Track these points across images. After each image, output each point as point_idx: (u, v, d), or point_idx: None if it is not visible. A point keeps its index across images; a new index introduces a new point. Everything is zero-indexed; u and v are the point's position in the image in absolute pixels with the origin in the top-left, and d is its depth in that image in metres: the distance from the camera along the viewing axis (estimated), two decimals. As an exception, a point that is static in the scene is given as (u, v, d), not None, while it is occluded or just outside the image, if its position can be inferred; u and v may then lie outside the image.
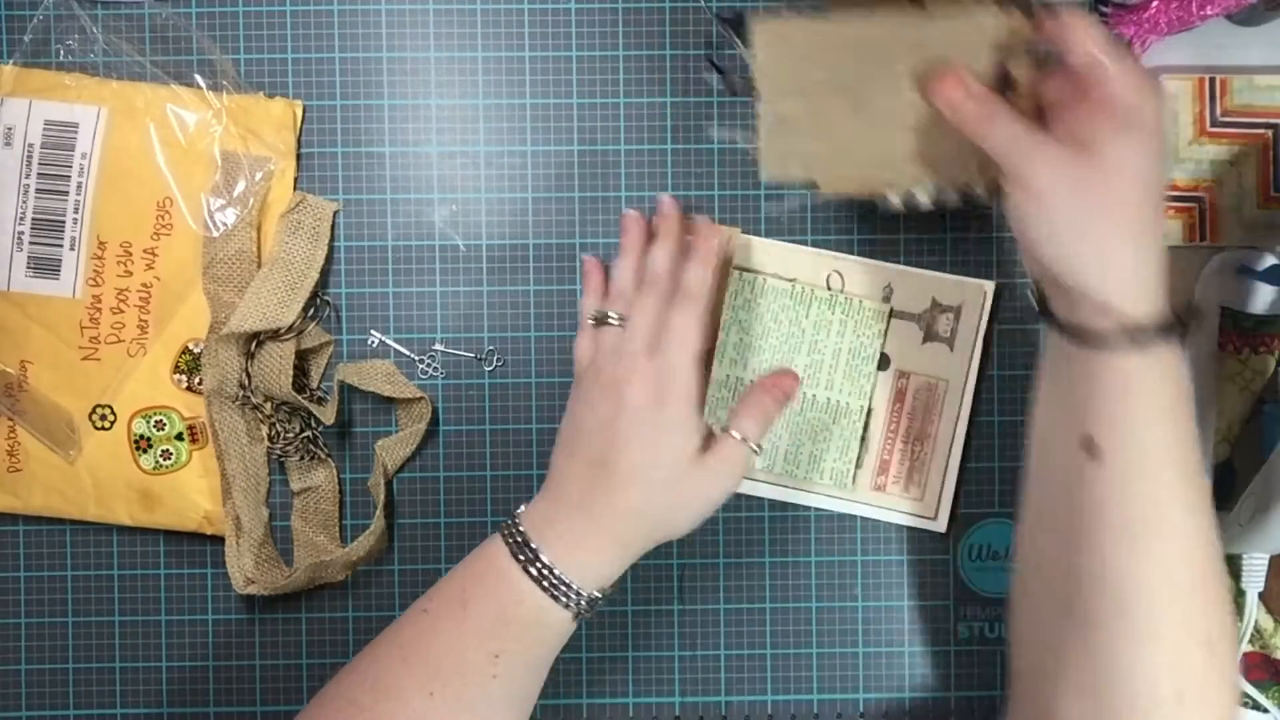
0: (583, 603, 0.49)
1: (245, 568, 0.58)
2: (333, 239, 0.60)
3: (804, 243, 0.59)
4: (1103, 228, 0.45)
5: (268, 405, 0.59)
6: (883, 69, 0.50)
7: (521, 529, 0.50)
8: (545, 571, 0.49)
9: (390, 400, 0.60)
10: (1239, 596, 0.60)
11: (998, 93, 0.48)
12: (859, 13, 0.50)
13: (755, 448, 0.52)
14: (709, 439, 0.51)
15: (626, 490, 0.49)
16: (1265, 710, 0.60)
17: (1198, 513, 0.46)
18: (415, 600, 0.51)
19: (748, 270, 0.59)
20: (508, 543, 0.50)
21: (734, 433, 0.52)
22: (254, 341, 0.58)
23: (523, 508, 0.52)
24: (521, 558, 0.49)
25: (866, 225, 0.60)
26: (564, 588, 0.49)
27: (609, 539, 0.50)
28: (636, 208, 0.59)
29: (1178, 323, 0.46)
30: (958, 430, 0.59)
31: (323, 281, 0.59)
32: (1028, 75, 0.48)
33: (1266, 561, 0.59)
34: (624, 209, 0.59)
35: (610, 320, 0.53)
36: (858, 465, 0.59)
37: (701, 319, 0.51)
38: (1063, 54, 0.46)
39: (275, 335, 0.58)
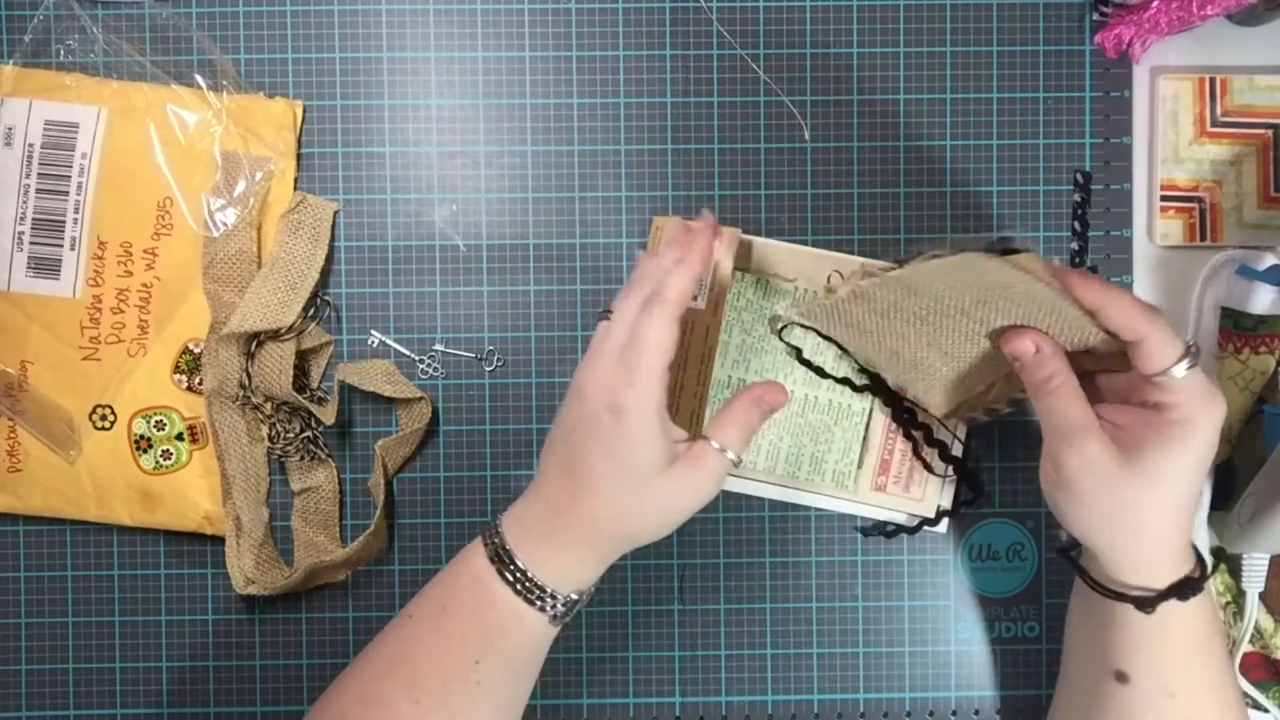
0: (559, 606, 0.48)
1: (245, 568, 0.58)
2: (333, 239, 0.60)
3: (805, 243, 0.59)
4: (1125, 519, 0.47)
5: (268, 405, 0.59)
6: (955, 310, 0.50)
7: (500, 532, 0.49)
8: (519, 575, 0.48)
9: (390, 400, 0.60)
10: (1239, 596, 0.60)
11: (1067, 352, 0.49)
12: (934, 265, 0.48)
13: (735, 458, 0.49)
14: (681, 446, 0.48)
15: (592, 498, 0.47)
16: (1265, 710, 0.60)
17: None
18: (404, 604, 0.51)
19: (749, 271, 0.59)
20: (486, 546, 0.49)
21: (713, 441, 0.48)
22: (254, 341, 0.58)
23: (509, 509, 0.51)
24: (496, 562, 0.48)
25: (867, 226, 0.60)
26: (538, 591, 0.48)
27: (580, 544, 0.48)
28: (634, 207, 0.60)
29: (1201, 575, 0.49)
30: (958, 430, 0.59)
31: (323, 281, 0.59)
32: (1100, 341, 0.48)
33: (1266, 561, 0.59)
34: (620, 208, 0.60)
35: (607, 316, 0.50)
36: (859, 466, 0.59)
37: (670, 324, 0.47)
38: (1132, 356, 0.46)
39: (275, 335, 0.58)
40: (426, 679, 0.48)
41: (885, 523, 0.60)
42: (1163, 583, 0.48)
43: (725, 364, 0.59)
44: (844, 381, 0.59)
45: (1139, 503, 0.47)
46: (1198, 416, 0.46)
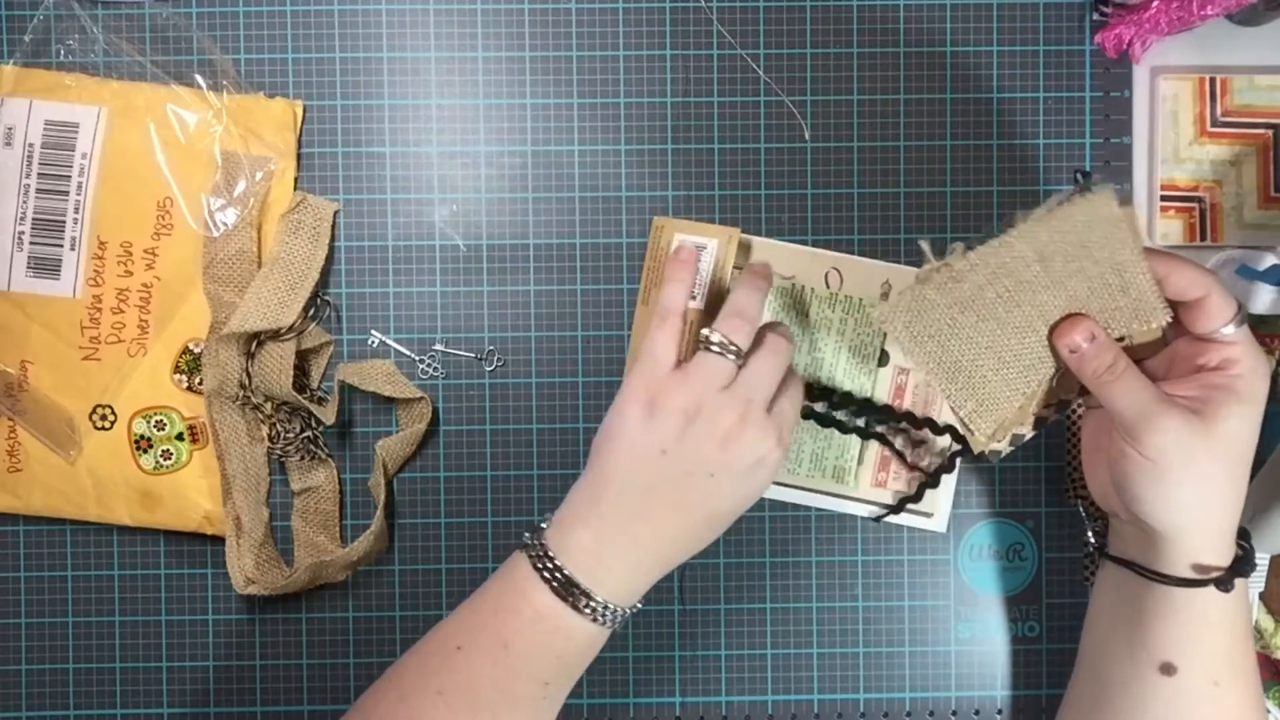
0: (627, 614, 0.50)
1: (245, 568, 0.58)
2: (333, 239, 0.60)
3: (804, 242, 0.59)
4: (1207, 491, 0.48)
5: (268, 405, 0.59)
6: (1065, 282, 0.51)
7: (558, 562, 0.48)
8: (594, 604, 0.48)
9: (390, 400, 0.60)
10: (1239, 596, 0.60)
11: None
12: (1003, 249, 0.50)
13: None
14: None
15: (707, 533, 0.50)
16: (1266, 710, 0.60)
17: (1261, 715, 0.50)
18: (436, 630, 0.50)
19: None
20: (545, 578, 0.48)
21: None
22: (254, 341, 0.58)
23: (547, 524, 0.50)
24: (570, 598, 0.48)
25: (867, 226, 0.60)
26: (609, 611, 0.49)
27: (663, 568, 0.50)
28: (634, 207, 0.60)
29: (1246, 559, 0.50)
30: (958, 428, 0.59)
31: (323, 281, 0.59)
32: (1146, 342, 0.51)
33: (1267, 561, 0.59)
34: (620, 208, 0.60)
35: (722, 349, 0.50)
36: (859, 462, 0.59)
37: (800, 390, 0.53)
38: (1190, 320, 0.48)
39: (275, 335, 0.58)
40: (492, 706, 0.48)
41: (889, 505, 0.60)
42: (1217, 561, 0.49)
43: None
44: (854, 430, 0.59)
45: (1219, 470, 0.48)
46: (1259, 366, 0.48)
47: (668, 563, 0.50)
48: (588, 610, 0.48)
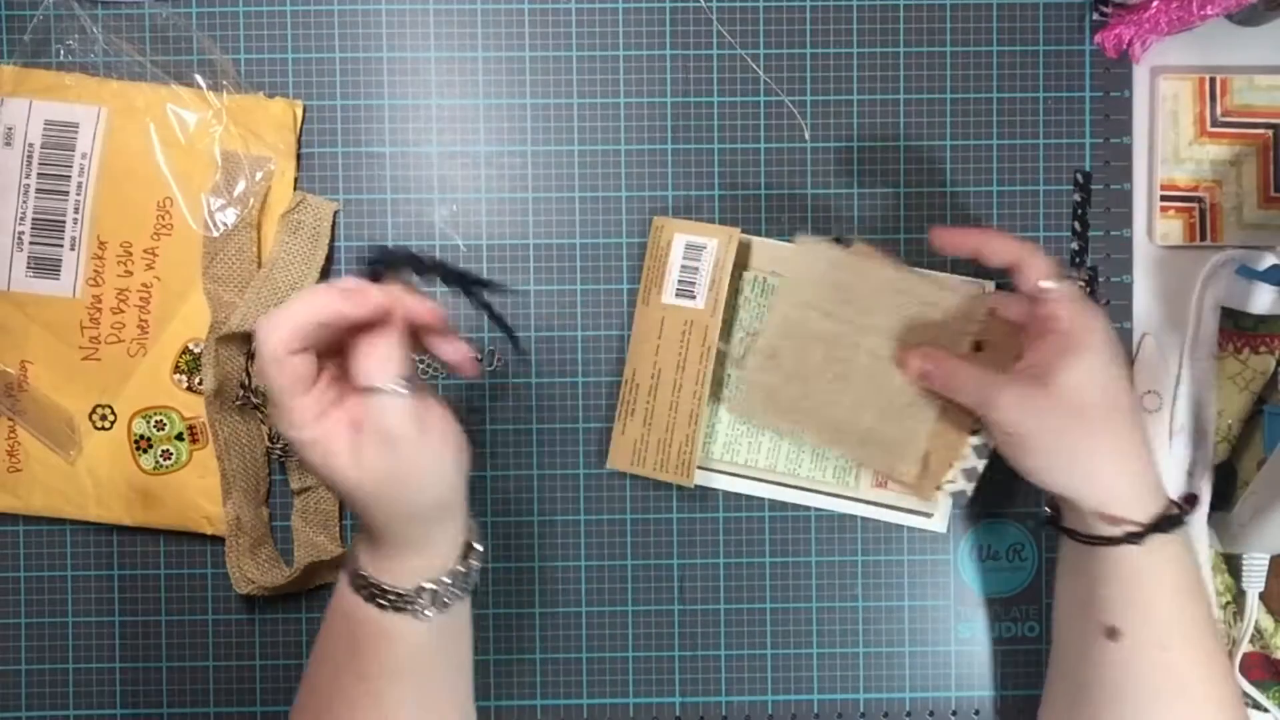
0: (419, 603, 0.45)
1: (245, 568, 0.58)
2: (333, 239, 0.60)
3: (804, 243, 0.60)
4: (1077, 449, 0.49)
5: (268, 405, 0.59)
6: (870, 324, 0.56)
7: (350, 555, 0.48)
8: (365, 581, 0.45)
9: (390, 400, 0.59)
10: (1239, 596, 0.60)
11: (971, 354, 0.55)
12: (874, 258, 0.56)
13: (393, 388, 0.42)
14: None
15: (374, 496, 0.44)
16: (1265, 710, 0.60)
17: (1218, 682, 0.49)
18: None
19: (747, 270, 0.59)
20: (346, 573, 0.47)
21: (369, 385, 0.42)
22: (254, 341, 0.58)
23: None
24: (354, 583, 0.46)
25: (867, 226, 0.60)
26: (380, 591, 0.45)
27: (402, 542, 0.45)
28: (634, 207, 0.60)
29: (1177, 514, 0.50)
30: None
31: (323, 281, 0.59)
32: (1000, 335, 0.55)
33: (1266, 561, 0.59)
34: (620, 208, 0.60)
35: None
36: (860, 462, 0.59)
37: (274, 330, 0.41)
38: (1016, 285, 0.51)
39: (275, 335, 0.58)
40: (331, 712, 0.46)
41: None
42: (1141, 516, 0.49)
43: (726, 364, 0.59)
44: None
45: (1074, 423, 0.49)
46: (1078, 321, 0.49)
47: (369, 521, 0.44)
48: (359, 585, 0.45)
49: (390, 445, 0.42)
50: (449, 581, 0.46)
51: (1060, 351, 0.49)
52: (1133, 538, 0.49)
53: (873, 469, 0.59)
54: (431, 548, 0.46)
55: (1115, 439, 0.49)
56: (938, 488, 0.57)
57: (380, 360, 0.42)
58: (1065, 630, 0.54)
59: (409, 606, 0.45)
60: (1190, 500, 0.51)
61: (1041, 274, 0.50)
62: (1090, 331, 0.49)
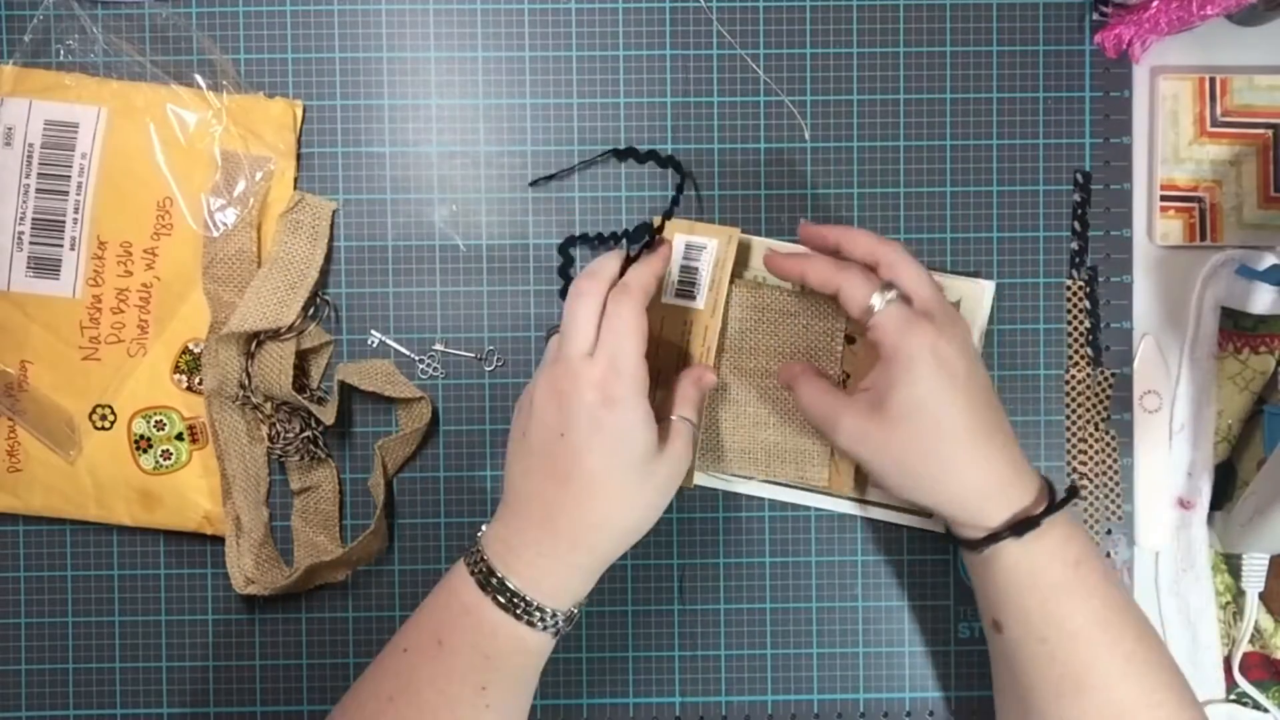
0: (559, 621, 0.48)
1: (245, 568, 0.58)
2: (332, 239, 0.60)
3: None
4: (914, 471, 0.49)
5: (268, 405, 0.59)
6: (748, 345, 0.59)
7: (485, 557, 0.48)
8: (515, 599, 0.47)
9: (390, 400, 0.60)
10: (1239, 596, 0.60)
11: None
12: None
13: (695, 423, 0.52)
14: (659, 428, 0.50)
15: (591, 501, 0.48)
16: (1265, 710, 0.60)
17: (1120, 678, 0.48)
18: (392, 638, 0.50)
19: (747, 269, 0.59)
20: (473, 573, 0.48)
21: (681, 415, 0.52)
22: (254, 341, 0.58)
23: (484, 529, 0.50)
24: (488, 590, 0.48)
25: (867, 226, 0.60)
26: (538, 612, 0.48)
27: (578, 554, 0.48)
28: (636, 208, 0.60)
29: (1035, 515, 0.49)
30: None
31: (323, 281, 0.59)
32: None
33: (1266, 561, 0.59)
34: (622, 208, 0.60)
35: (556, 331, 0.51)
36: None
37: (641, 311, 0.49)
38: (844, 305, 0.51)
39: (275, 335, 0.58)
40: (434, 709, 0.47)
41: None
42: (996, 521, 0.49)
43: (726, 363, 0.59)
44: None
45: (909, 447, 0.48)
46: (904, 339, 0.48)
47: (576, 543, 0.48)
48: (505, 603, 0.47)
49: (681, 470, 0.51)
50: (583, 605, 0.50)
51: (890, 376, 0.48)
52: (971, 545, 0.50)
53: (788, 480, 0.59)
54: (598, 575, 0.50)
55: (953, 458, 0.49)
56: (855, 481, 0.59)
57: (687, 403, 0.52)
58: (981, 618, 0.55)
59: (556, 624, 0.49)
60: (1071, 491, 0.51)
61: (858, 301, 0.49)
62: (911, 356, 0.48)
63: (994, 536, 0.49)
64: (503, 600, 0.47)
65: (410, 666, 0.48)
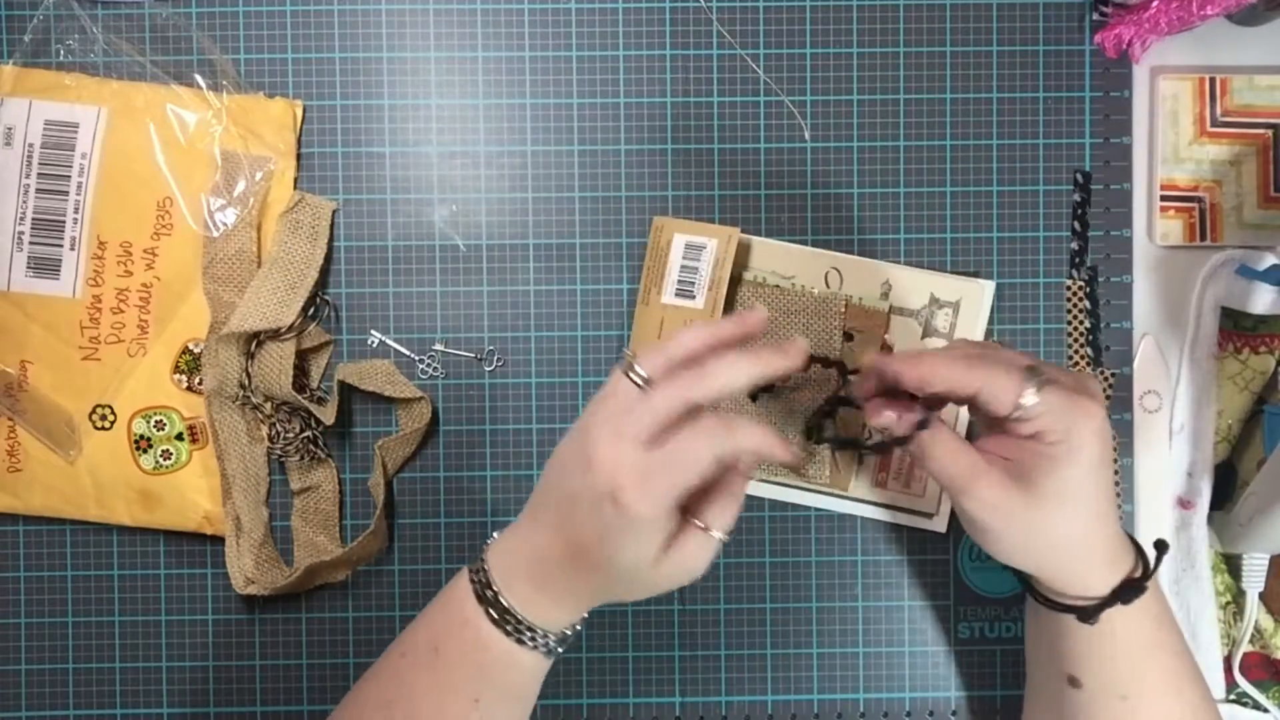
0: (550, 641, 0.48)
1: (245, 568, 0.58)
2: (332, 239, 0.60)
3: (804, 242, 0.59)
4: (1037, 541, 0.48)
5: (268, 405, 0.59)
6: None
7: (487, 570, 0.47)
8: (508, 617, 0.47)
9: (390, 400, 0.60)
10: (1239, 596, 0.60)
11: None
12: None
13: (724, 537, 0.46)
14: (675, 532, 0.45)
15: (584, 565, 0.46)
16: (1265, 710, 0.60)
17: (1195, 713, 0.50)
18: (394, 641, 0.50)
19: (747, 269, 0.59)
20: (474, 585, 0.48)
21: (709, 529, 0.46)
22: (254, 341, 0.58)
23: (495, 536, 0.49)
24: (484, 604, 0.47)
25: (867, 226, 0.60)
26: (528, 632, 0.47)
27: (568, 594, 0.47)
28: (634, 207, 0.60)
29: (1144, 574, 0.49)
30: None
31: (323, 281, 0.59)
32: (864, 321, 0.56)
33: (1266, 561, 0.59)
34: (620, 208, 0.60)
35: (635, 375, 0.45)
36: (859, 461, 0.59)
37: (717, 462, 0.44)
38: (987, 415, 0.47)
39: (275, 335, 0.58)
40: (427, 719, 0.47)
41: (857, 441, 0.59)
42: (1103, 589, 0.48)
43: None
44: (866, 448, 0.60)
45: (1050, 525, 0.47)
46: (1071, 431, 0.45)
47: (569, 587, 0.46)
48: (498, 619, 0.47)
49: (685, 579, 0.46)
50: (579, 628, 0.49)
51: (1051, 463, 0.46)
52: (1084, 615, 0.49)
53: (788, 480, 0.59)
54: (586, 612, 0.49)
55: (1077, 530, 0.48)
56: (855, 481, 0.59)
57: (722, 514, 0.46)
58: (1034, 670, 0.55)
59: (548, 644, 0.48)
60: (1160, 547, 0.50)
61: (1008, 400, 0.45)
62: (1083, 439, 0.45)
63: (1103, 604, 0.48)
64: (496, 616, 0.47)
65: (408, 675, 0.48)
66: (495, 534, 0.50)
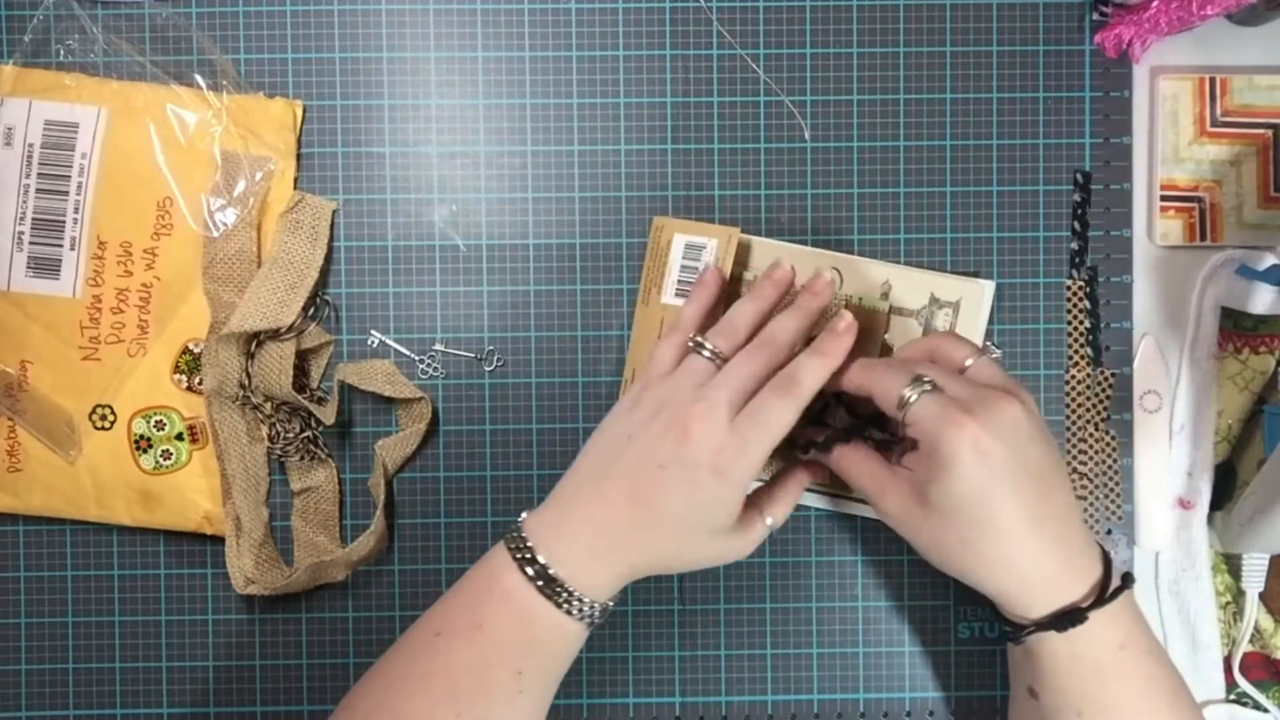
0: (596, 612, 0.49)
1: (245, 568, 0.58)
2: (332, 239, 0.60)
3: (804, 242, 0.59)
4: (959, 557, 0.48)
5: (268, 405, 0.59)
6: None
7: (529, 543, 0.48)
8: (559, 588, 0.48)
9: (390, 400, 0.60)
10: (1239, 596, 0.60)
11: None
12: None
13: (775, 526, 0.53)
14: (744, 511, 0.50)
15: (654, 532, 0.48)
16: (1265, 710, 0.60)
17: None
18: (419, 620, 0.50)
19: (747, 269, 0.59)
20: (515, 558, 0.48)
21: (768, 518, 0.52)
22: (254, 341, 0.58)
23: (525, 515, 0.51)
24: (535, 579, 0.48)
25: (867, 226, 0.60)
26: (578, 603, 0.48)
27: (622, 563, 0.49)
28: (634, 207, 0.60)
29: (1082, 609, 0.48)
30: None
31: (323, 281, 0.59)
32: (860, 316, 0.54)
33: (1266, 561, 0.59)
34: (620, 208, 0.60)
35: (705, 351, 0.50)
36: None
37: (797, 415, 0.49)
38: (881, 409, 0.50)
39: (275, 335, 0.58)
40: (469, 694, 0.47)
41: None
42: (1040, 611, 0.48)
43: None
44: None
45: (952, 538, 0.48)
46: (941, 436, 0.46)
47: (626, 554, 0.49)
48: (548, 590, 0.48)
49: (736, 556, 0.52)
50: (605, 608, 0.50)
51: (931, 472, 0.47)
52: (1010, 636, 0.50)
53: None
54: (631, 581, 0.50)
55: (993, 552, 0.48)
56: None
57: (780, 504, 0.54)
58: (1010, 675, 0.56)
59: (593, 615, 0.49)
60: (1126, 580, 0.50)
61: (891, 396, 0.48)
62: (949, 455, 0.46)
63: (1037, 626, 0.48)
64: (545, 587, 0.48)
65: (446, 649, 0.48)
66: (524, 514, 0.50)
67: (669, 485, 0.48)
